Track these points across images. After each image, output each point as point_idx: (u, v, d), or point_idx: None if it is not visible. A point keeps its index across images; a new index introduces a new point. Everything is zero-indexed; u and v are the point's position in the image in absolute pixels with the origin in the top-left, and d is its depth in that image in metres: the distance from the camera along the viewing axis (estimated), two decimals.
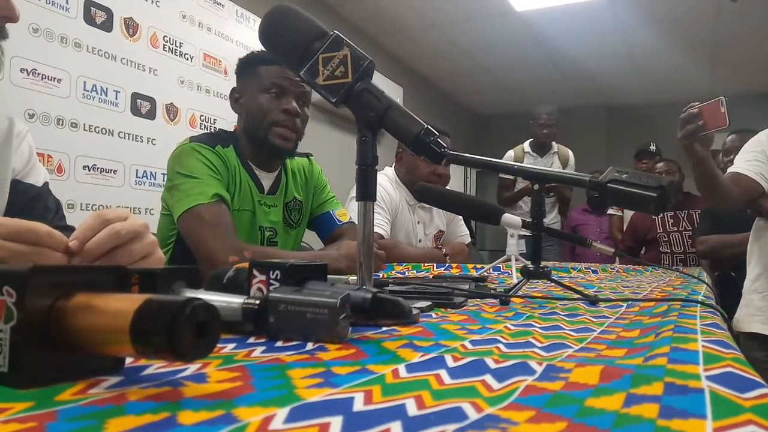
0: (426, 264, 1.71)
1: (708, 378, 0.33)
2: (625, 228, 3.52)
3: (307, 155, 1.59)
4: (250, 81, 1.40)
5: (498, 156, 3.66)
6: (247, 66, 1.42)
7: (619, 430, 0.25)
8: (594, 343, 0.50)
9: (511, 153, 3.79)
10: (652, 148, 3.70)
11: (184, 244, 1.29)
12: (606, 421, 0.27)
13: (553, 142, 3.79)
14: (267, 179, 1.44)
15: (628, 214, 3.60)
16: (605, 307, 0.78)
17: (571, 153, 3.82)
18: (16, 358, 0.31)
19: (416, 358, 0.42)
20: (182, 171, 1.28)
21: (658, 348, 0.42)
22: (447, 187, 1.74)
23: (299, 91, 1.37)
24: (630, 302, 0.82)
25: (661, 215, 3.06)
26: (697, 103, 1.48)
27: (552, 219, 3.76)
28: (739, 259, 2.13)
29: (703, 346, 0.43)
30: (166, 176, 1.35)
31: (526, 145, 3.79)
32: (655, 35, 4.60)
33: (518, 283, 0.85)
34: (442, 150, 0.65)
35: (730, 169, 1.74)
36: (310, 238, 1.68)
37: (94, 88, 2.43)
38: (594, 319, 0.66)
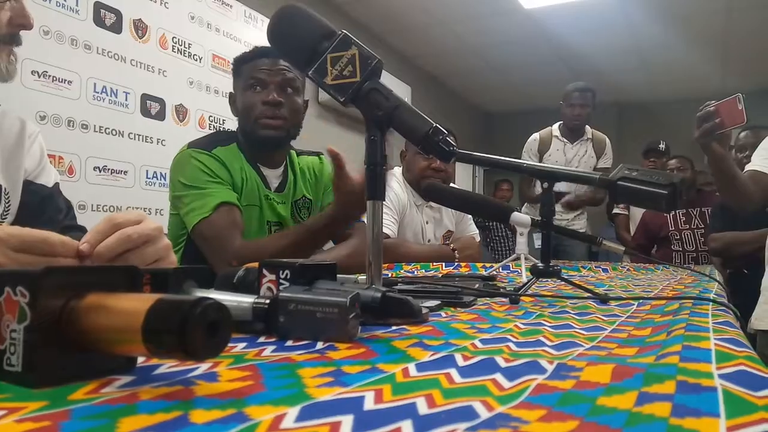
0: (435, 263, 1.71)
1: (721, 376, 0.33)
2: (633, 226, 3.49)
3: (318, 154, 1.59)
4: (238, 82, 1.42)
5: (507, 154, 3.57)
6: (234, 68, 1.44)
7: (631, 428, 0.25)
8: (605, 342, 0.50)
9: (536, 136, 3.31)
10: (662, 146, 3.62)
11: (194, 243, 1.30)
12: (618, 419, 0.27)
13: (587, 127, 3.28)
14: (273, 176, 1.45)
15: (635, 213, 3.57)
16: (616, 305, 0.78)
17: (608, 141, 3.34)
18: (29, 357, 0.31)
19: (426, 357, 0.42)
20: (183, 180, 1.31)
21: (670, 346, 0.42)
22: (456, 186, 1.73)
23: (280, 80, 1.37)
24: (641, 301, 0.82)
25: (673, 213, 3.04)
26: (713, 101, 1.46)
27: (578, 213, 3.32)
28: (751, 257, 2.10)
29: (716, 344, 0.42)
30: (170, 183, 1.37)
31: (555, 129, 3.29)
32: (664, 31, 4.56)
33: (528, 282, 0.85)
34: (451, 149, 0.65)
35: (748, 167, 1.71)
36: None
37: (104, 90, 2.45)
38: (605, 318, 0.65)
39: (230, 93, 1.47)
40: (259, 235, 1.38)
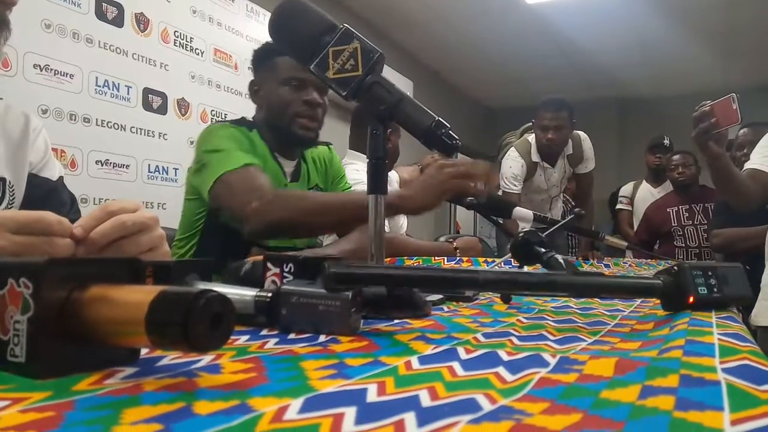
0: (436, 258, 1.71)
1: (724, 370, 0.33)
2: (636, 222, 3.49)
3: (327, 144, 1.59)
4: (267, 73, 1.40)
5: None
6: (263, 57, 1.42)
7: (634, 421, 0.25)
8: (608, 336, 0.50)
9: (521, 162, 2.68)
10: (666, 142, 3.62)
11: (211, 230, 1.29)
12: (621, 412, 0.27)
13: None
14: (289, 167, 1.45)
15: (637, 208, 3.56)
16: (619, 300, 0.78)
17: (583, 140, 2.79)
18: (33, 348, 0.31)
19: (429, 350, 0.42)
20: (209, 148, 1.28)
21: (673, 340, 0.42)
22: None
23: (319, 81, 1.36)
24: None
25: (677, 208, 3.04)
26: (708, 101, 1.47)
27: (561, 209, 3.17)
28: (753, 253, 2.10)
29: (719, 338, 0.42)
30: (194, 160, 1.33)
31: (534, 153, 2.71)
32: (666, 26, 4.54)
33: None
34: (454, 142, 0.65)
35: (747, 165, 1.71)
36: None
37: (106, 84, 2.44)
38: (607, 312, 0.65)
39: (252, 80, 1.45)
40: None
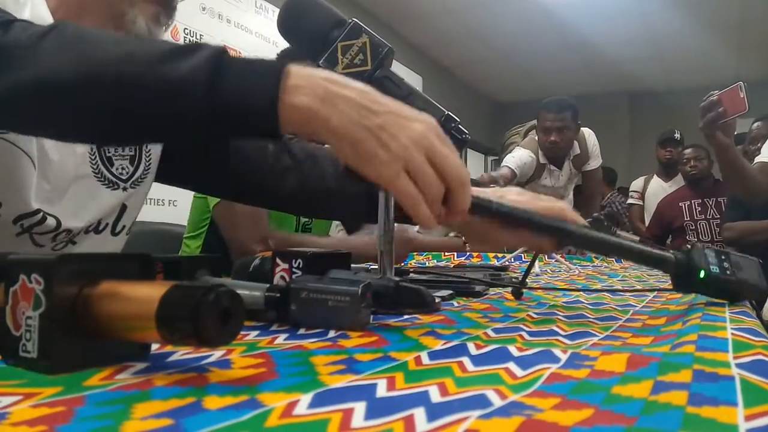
0: (446, 253, 1.71)
1: (738, 365, 0.33)
2: (648, 217, 3.47)
3: None
4: None
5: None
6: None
7: (647, 416, 0.25)
8: (619, 331, 0.49)
9: (530, 158, 2.52)
10: (677, 135, 3.59)
11: (216, 229, 1.30)
12: (633, 408, 0.26)
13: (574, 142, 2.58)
14: None
15: (649, 203, 3.53)
16: (630, 295, 0.77)
17: (587, 137, 2.62)
18: (44, 344, 0.31)
19: (439, 345, 0.41)
20: None
21: (686, 336, 0.42)
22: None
23: None
24: (656, 292, 0.81)
25: (689, 203, 3.01)
26: (716, 91, 1.46)
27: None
28: (766, 246, 2.08)
29: (733, 333, 0.42)
30: None
31: (542, 155, 2.56)
32: (679, 18, 4.49)
33: (528, 267, 0.84)
34: (464, 136, 0.65)
35: (757, 159, 1.70)
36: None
37: None
38: (619, 308, 0.65)
39: None
40: (284, 227, 1.38)
